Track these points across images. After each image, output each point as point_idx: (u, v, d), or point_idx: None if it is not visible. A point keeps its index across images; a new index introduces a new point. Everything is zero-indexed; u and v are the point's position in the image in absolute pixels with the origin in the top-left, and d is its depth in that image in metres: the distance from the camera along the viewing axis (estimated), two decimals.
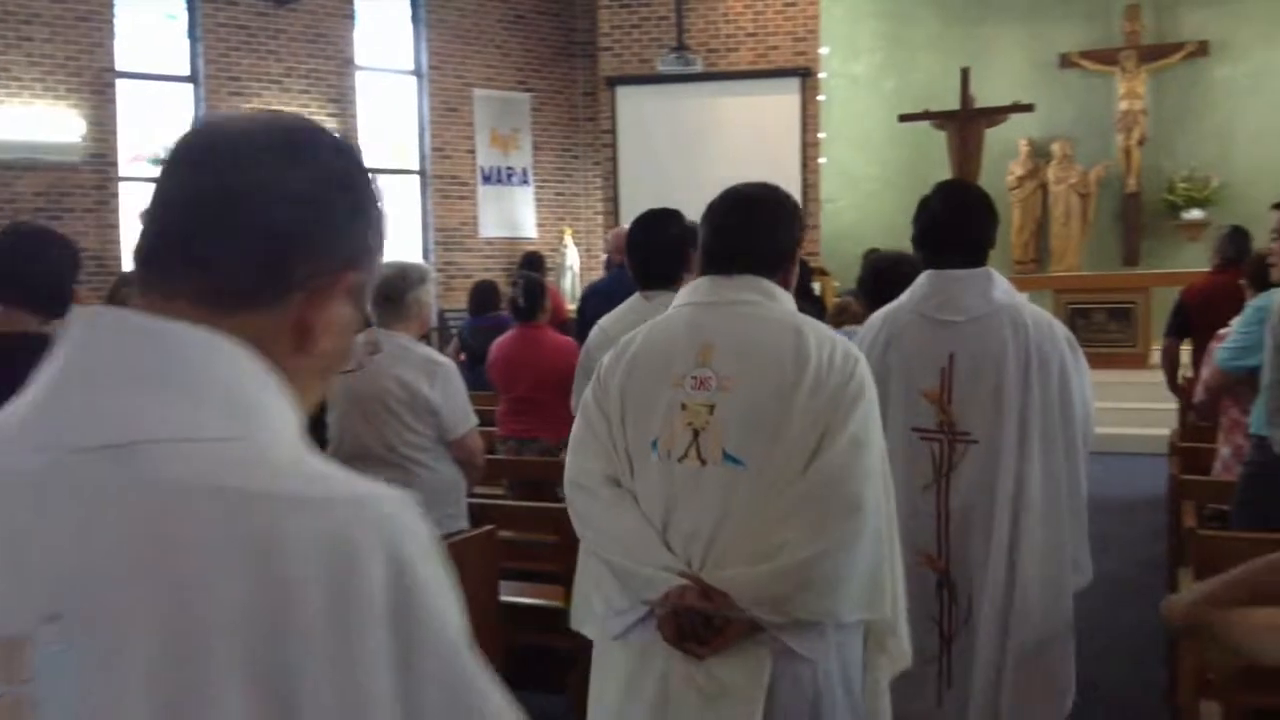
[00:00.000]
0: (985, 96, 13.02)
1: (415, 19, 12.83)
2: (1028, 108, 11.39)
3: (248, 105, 11.28)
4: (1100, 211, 12.56)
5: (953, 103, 12.15)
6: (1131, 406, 9.00)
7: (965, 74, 11.31)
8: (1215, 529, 3.98)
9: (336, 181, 0.99)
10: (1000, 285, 2.98)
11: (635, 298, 3.56)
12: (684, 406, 2.19)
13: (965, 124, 11.04)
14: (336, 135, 1.04)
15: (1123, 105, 12.40)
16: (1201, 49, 12.25)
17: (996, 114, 11.33)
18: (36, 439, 0.87)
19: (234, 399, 0.91)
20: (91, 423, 0.86)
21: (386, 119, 12.69)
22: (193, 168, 0.96)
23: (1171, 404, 7.12)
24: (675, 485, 2.18)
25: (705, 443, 2.16)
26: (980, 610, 2.89)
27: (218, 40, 11.20)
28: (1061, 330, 2.99)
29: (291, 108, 11.50)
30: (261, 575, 0.82)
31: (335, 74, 11.97)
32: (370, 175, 1.04)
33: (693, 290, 2.36)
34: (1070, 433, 2.91)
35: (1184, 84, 12.56)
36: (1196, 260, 11.18)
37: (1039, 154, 12.77)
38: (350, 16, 12.14)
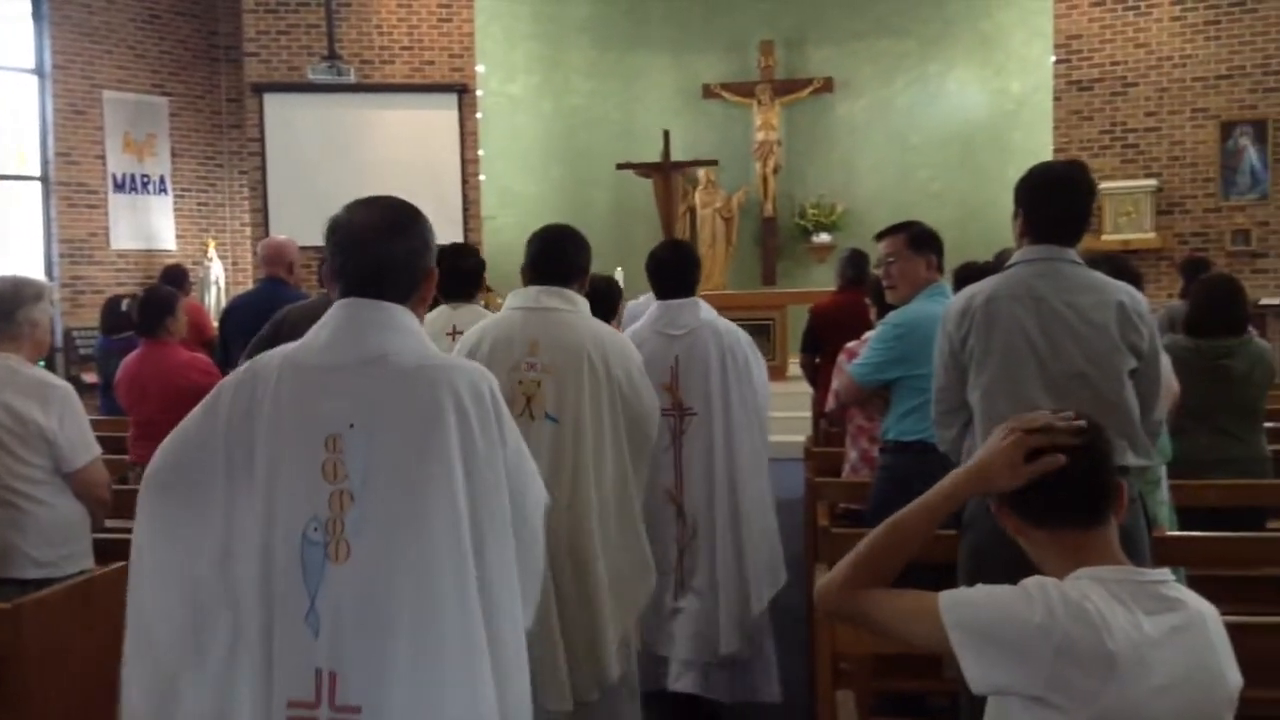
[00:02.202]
0: (636, 122, 13.59)
1: (36, 15, 11.72)
2: (712, 162, 12.92)
3: None
4: (742, 234, 13.35)
5: (605, 123, 13.13)
6: (771, 415, 9.52)
7: (667, 135, 12.47)
8: (846, 526, 4.28)
9: (420, 238, 2.23)
10: (704, 308, 4.37)
11: (444, 307, 4.37)
12: (520, 382, 3.28)
13: (667, 174, 12.50)
14: (412, 208, 2.27)
15: (759, 135, 13.26)
16: (827, 85, 13.32)
17: (688, 165, 12.78)
18: (337, 354, 2.11)
19: (414, 332, 2.16)
20: (362, 347, 2.10)
21: (4, 121, 11.51)
22: (354, 247, 2.18)
23: (806, 412, 7.63)
24: None
25: (534, 406, 3.27)
26: (703, 526, 4.23)
27: None
28: (744, 336, 4.43)
29: None
30: (449, 402, 2.06)
31: None
32: (427, 220, 2.29)
33: (523, 297, 3.44)
34: (754, 400, 4.36)
35: (812, 117, 13.60)
36: (825, 280, 12.11)
37: (687, 179, 13.40)
38: None
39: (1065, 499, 1.89)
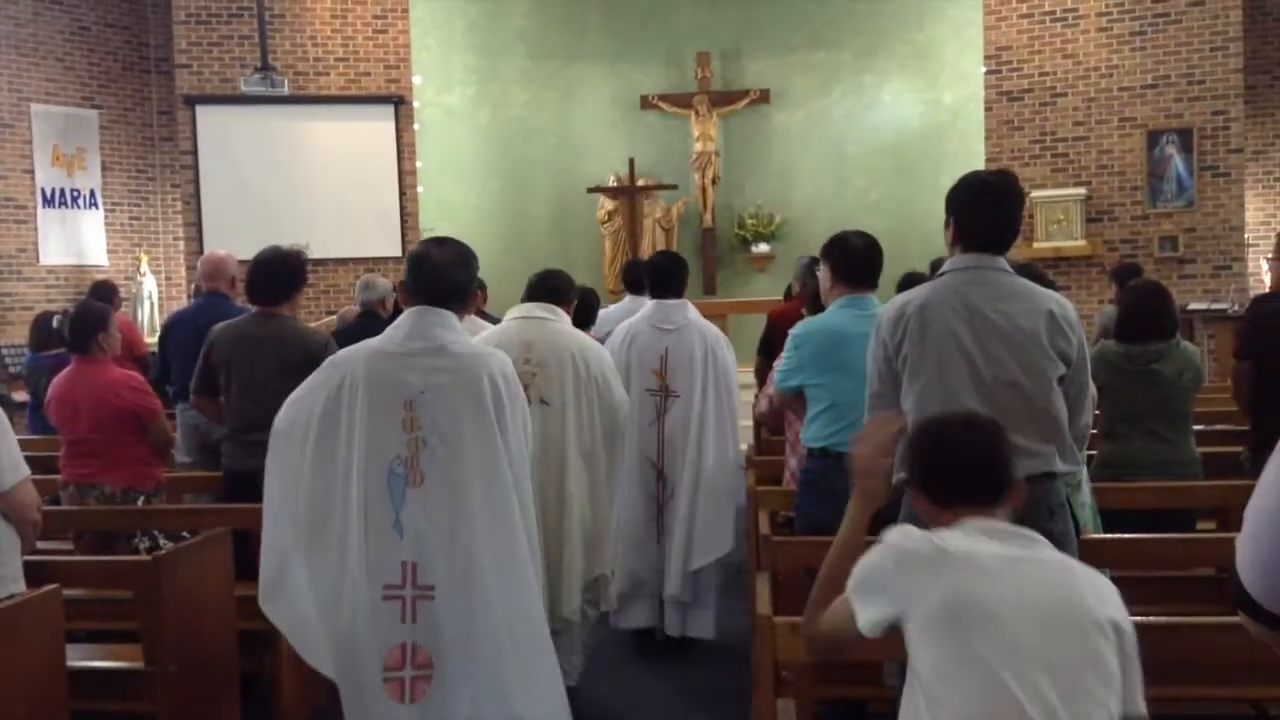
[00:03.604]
0: (574, 131, 13.60)
1: None
2: (672, 186, 13.26)
3: None
4: (682, 244, 13.39)
5: (543, 134, 13.32)
6: None
7: (631, 163, 12.84)
8: (786, 534, 4.31)
9: (474, 271, 3.41)
10: (690, 309, 5.40)
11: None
12: (519, 374, 3.72)
13: (632, 198, 12.99)
14: (469, 250, 3.39)
15: (697, 146, 13.32)
16: (763, 96, 13.41)
17: (652, 189, 13.19)
18: (412, 344, 3.18)
19: (461, 331, 3.26)
20: (430, 340, 3.18)
21: None
22: (434, 274, 3.27)
23: (747, 421, 7.66)
24: None
25: (530, 393, 3.85)
26: (679, 489, 5.20)
27: None
28: (722, 336, 5.46)
29: None
30: (486, 379, 3.18)
31: None
32: (476, 259, 3.44)
33: (518, 309, 4.41)
34: (729, 386, 5.33)
35: (749, 128, 13.69)
36: (765, 289, 12.21)
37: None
38: None
39: (965, 482, 2.24)
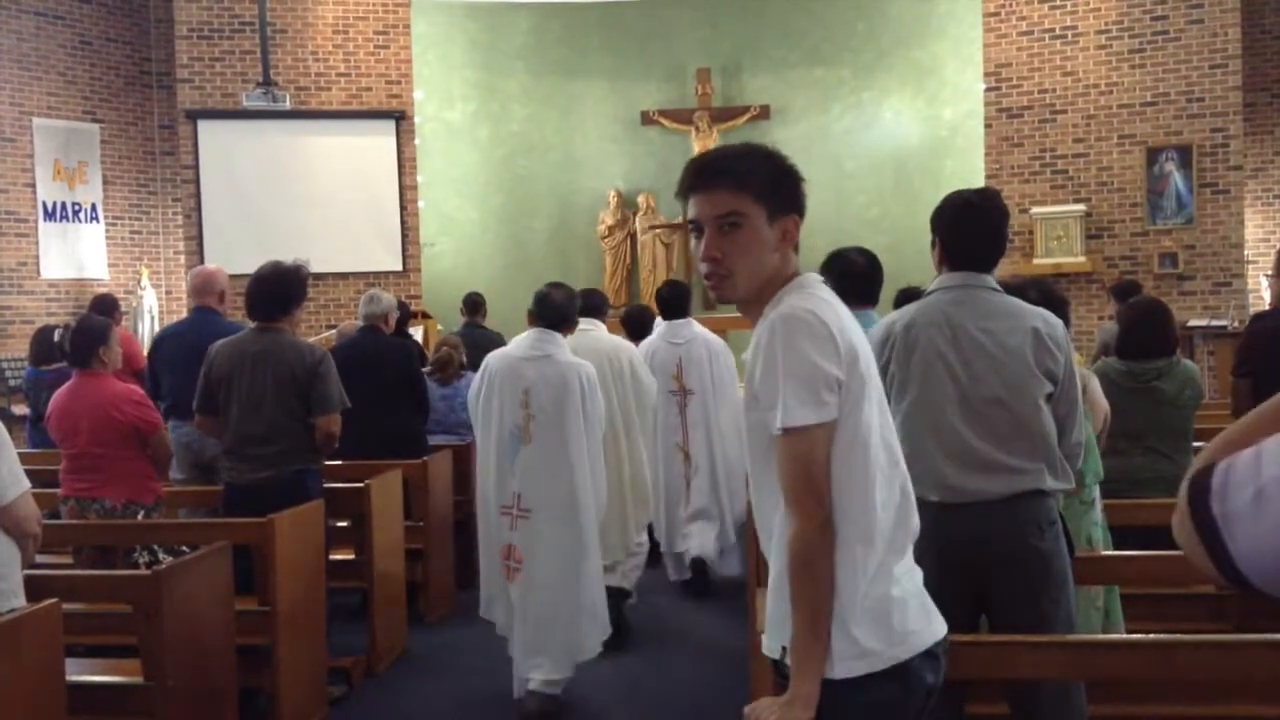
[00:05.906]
0: (575, 147, 13.63)
1: None
2: None
3: None
4: (681, 258, 13.43)
5: (544, 150, 13.44)
6: None
7: (685, 203, 13.33)
8: None
9: (576, 304, 5.12)
10: (694, 324, 6.84)
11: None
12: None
13: (687, 231, 13.19)
14: (572, 290, 5.13)
15: None
16: (763, 112, 13.45)
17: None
18: (526, 352, 4.80)
19: (564, 346, 4.86)
20: (541, 350, 4.79)
21: None
22: (552, 307, 4.89)
23: None
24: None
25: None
26: (701, 468, 6.67)
27: None
28: (723, 343, 6.90)
29: None
30: (576, 378, 4.74)
31: None
32: (577, 294, 5.35)
33: (580, 325, 5.44)
34: (732, 379, 6.69)
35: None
36: None
37: (627, 205, 13.47)
38: None
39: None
